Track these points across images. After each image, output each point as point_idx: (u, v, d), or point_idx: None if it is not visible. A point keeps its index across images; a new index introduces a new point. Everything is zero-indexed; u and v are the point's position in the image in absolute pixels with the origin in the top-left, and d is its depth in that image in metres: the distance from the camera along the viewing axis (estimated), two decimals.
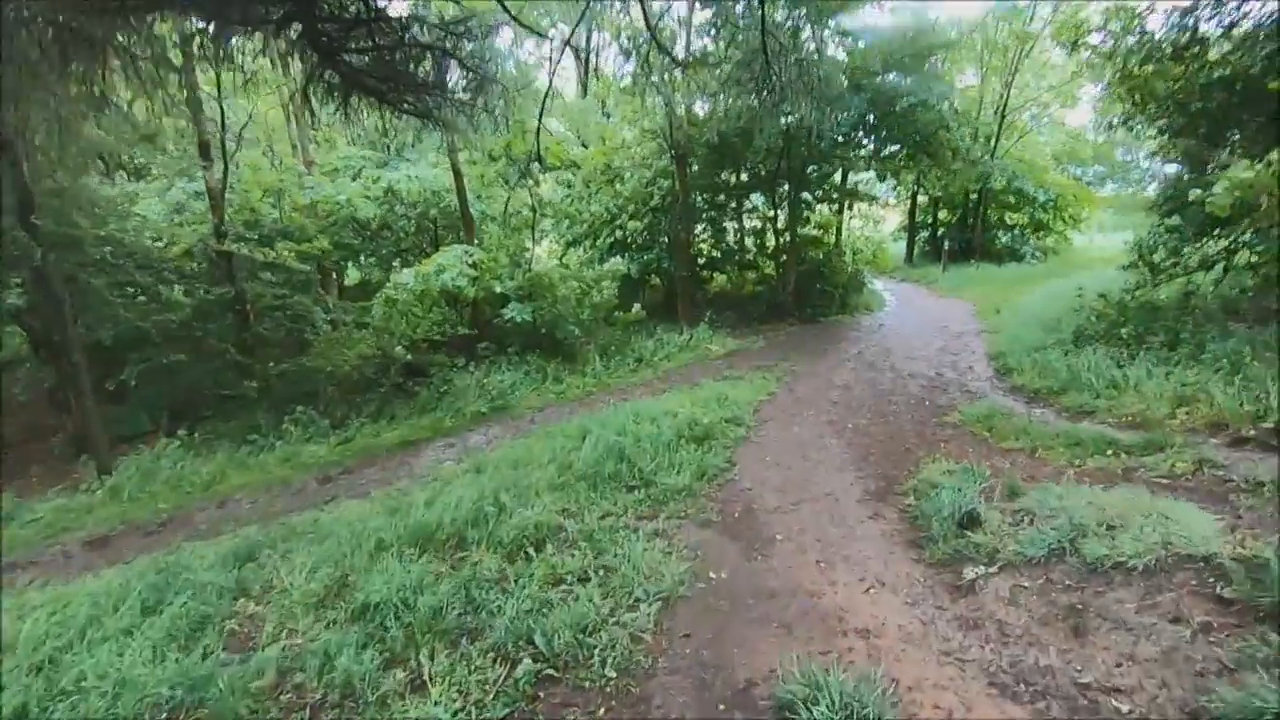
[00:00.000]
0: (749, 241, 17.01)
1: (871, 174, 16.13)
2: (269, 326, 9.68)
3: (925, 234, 24.86)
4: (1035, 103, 21.64)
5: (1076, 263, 19.47)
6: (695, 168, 14.16)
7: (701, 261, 16.04)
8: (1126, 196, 23.59)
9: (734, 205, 16.19)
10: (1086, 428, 6.38)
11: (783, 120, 9.51)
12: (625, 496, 5.77)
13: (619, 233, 13.51)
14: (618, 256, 12.57)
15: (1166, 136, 9.92)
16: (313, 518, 6.32)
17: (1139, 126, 10.08)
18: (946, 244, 20.76)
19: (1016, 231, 22.38)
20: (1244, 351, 6.23)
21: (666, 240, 14.08)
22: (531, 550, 4.87)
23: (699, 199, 15.31)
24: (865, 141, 13.99)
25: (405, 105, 7.33)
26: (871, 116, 12.09)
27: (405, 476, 7.48)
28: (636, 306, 12.31)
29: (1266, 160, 6.32)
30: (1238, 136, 8.44)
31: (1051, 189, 21.62)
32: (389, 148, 16.49)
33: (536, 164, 11.12)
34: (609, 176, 14.11)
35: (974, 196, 22.14)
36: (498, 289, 10.72)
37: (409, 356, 9.52)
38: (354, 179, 12.59)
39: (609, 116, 15.96)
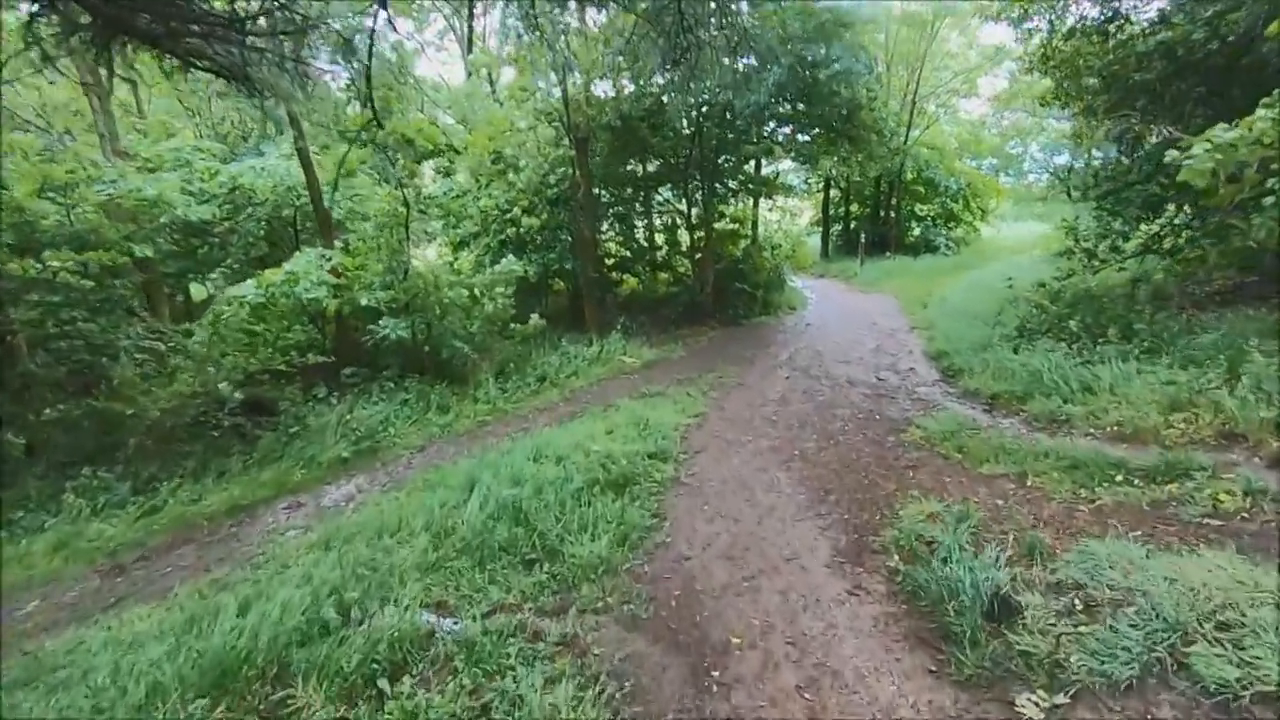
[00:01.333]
0: (661, 239, 15.69)
1: (788, 163, 15.17)
2: (44, 362, 7.24)
3: (839, 227, 24.52)
4: (943, 89, 21.66)
5: (987, 253, 19.58)
6: (598, 157, 12.64)
7: (610, 262, 14.53)
8: (1022, 189, 24.17)
9: (643, 199, 14.81)
10: (1075, 444, 5.37)
11: (697, 98, 8.15)
12: (523, 578, 4.31)
13: (511, 228, 11.74)
14: (512, 256, 10.79)
15: (1092, 117, 9.40)
16: (75, 640, 4.44)
17: (1069, 107, 9.52)
18: (863, 237, 20.33)
19: (929, 222, 22.33)
20: (1243, 345, 5.35)
21: (569, 239, 12.47)
22: (384, 683, 3.34)
23: (604, 193, 13.81)
24: (783, 129, 12.96)
25: (201, 62, 5.32)
26: (790, 91, 10.99)
27: (229, 558, 5.58)
28: (535, 316, 10.58)
29: (1246, 123, 5.56)
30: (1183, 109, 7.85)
31: (960, 178, 21.71)
32: (245, 138, 13.98)
33: (407, 146, 9.17)
34: (500, 167, 12.30)
35: (884, 188, 21.92)
36: (364, 301, 8.72)
37: (239, 395, 7.35)
38: (191, 174, 10.22)
39: (501, 104, 14.17)
